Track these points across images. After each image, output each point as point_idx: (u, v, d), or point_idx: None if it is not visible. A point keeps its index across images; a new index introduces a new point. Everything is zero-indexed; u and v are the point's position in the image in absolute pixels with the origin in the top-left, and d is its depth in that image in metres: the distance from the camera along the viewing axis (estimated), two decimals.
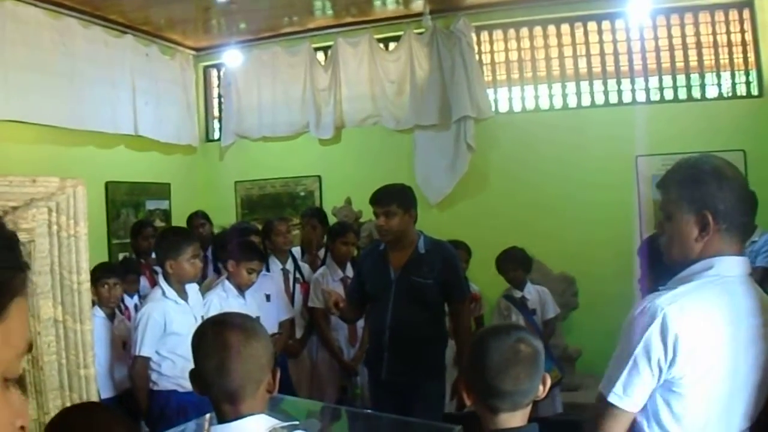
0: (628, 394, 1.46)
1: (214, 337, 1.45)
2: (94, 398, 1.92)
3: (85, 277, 1.82)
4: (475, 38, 5.60)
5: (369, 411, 3.13)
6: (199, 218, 5.19)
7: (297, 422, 1.50)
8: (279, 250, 4.46)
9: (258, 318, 3.52)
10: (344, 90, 5.86)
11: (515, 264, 4.27)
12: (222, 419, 1.45)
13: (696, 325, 1.44)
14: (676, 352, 1.41)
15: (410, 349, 3.11)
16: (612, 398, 1.47)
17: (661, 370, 1.44)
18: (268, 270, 4.28)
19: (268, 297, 4.05)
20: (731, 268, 1.50)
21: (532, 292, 4.31)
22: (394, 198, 3.17)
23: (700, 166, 1.54)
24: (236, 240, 4.03)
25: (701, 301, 1.46)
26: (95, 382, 1.91)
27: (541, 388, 1.47)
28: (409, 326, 3.12)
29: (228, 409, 1.44)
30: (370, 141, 5.86)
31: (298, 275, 4.48)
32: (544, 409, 3.82)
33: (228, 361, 1.42)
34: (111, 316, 3.61)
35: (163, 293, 3.05)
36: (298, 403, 3.27)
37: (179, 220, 5.71)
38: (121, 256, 5.25)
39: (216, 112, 6.66)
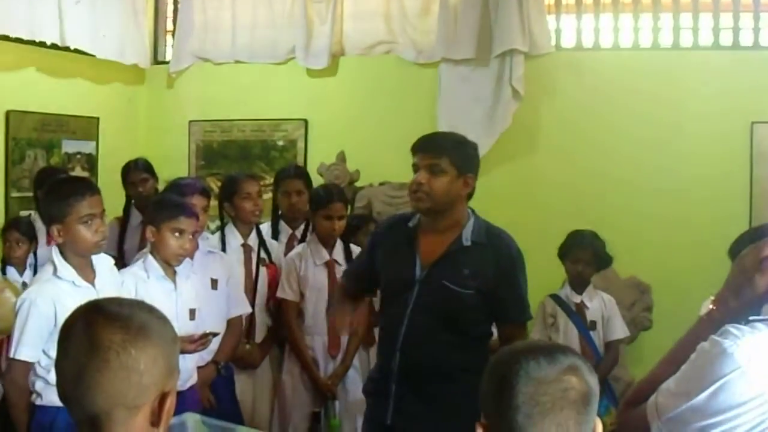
0: None
1: (81, 331, 1.14)
2: None
3: None
4: None
5: None
6: (139, 170, 4.50)
7: None
8: (244, 219, 3.81)
9: (194, 311, 3.22)
10: (348, 4, 5.11)
11: (588, 253, 3.60)
12: None
13: None
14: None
15: (430, 383, 2.61)
16: None
17: None
18: (223, 245, 3.77)
19: (214, 283, 3.49)
20: None
21: (594, 298, 3.73)
22: (448, 150, 2.64)
23: None
24: (155, 199, 3.62)
25: None
26: None
27: None
28: (430, 351, 2.58)
29: None
30: (378, 76, 5.11)
31: (263, 254, 3.89)
32: None
33: (90, 370, 1.10)
34: None
35: (56, 271, 2.65)
36: None
37: (110, 169, 4.94)
38: (24, 214, 4.59)
39: (170, 25, 5.72)
